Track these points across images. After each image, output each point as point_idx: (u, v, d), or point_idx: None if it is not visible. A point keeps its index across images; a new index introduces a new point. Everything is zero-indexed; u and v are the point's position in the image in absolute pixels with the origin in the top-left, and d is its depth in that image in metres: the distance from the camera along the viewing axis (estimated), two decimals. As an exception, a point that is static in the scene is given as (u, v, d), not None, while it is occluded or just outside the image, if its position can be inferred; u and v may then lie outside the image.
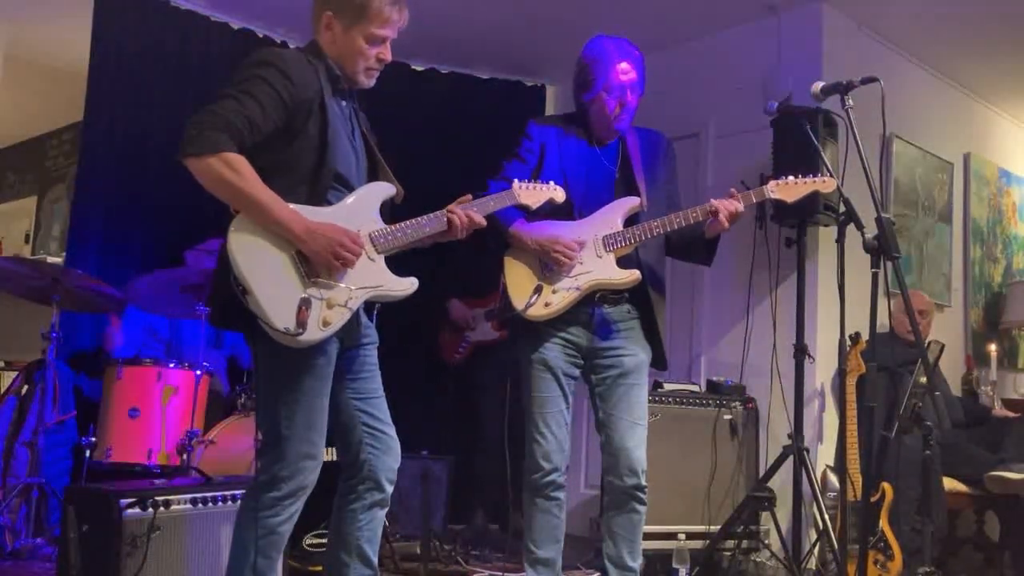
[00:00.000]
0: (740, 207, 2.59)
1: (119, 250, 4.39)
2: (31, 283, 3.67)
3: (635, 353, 2.71)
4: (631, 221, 2.67)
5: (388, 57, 2.26)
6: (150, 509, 2.53)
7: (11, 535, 3.44)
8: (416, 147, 4.93)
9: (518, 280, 2.68)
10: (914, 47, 4.80)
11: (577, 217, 2.68)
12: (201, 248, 4.13)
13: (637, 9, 4.50)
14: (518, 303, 2.65)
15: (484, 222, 2.36)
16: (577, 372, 2.74)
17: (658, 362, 2.78)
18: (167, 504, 2.59)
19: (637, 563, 2.68)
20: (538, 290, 2.64)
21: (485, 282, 4.50)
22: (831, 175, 2.69)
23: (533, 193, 2.50)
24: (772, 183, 2.64)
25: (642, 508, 2.67)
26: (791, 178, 2.64)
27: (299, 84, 2.11)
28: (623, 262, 2.65)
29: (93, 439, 3.54)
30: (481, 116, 5.25)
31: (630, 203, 2.68)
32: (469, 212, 2.33)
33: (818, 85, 2.61)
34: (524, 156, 2.74)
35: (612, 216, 2.67)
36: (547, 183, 2.54)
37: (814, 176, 2.64)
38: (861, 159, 2.49)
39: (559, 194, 2.55)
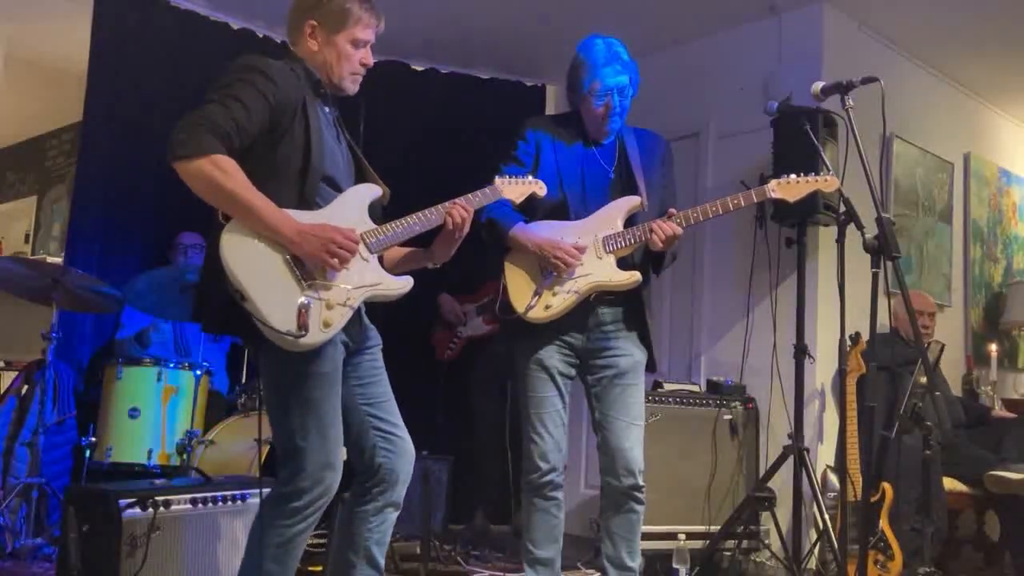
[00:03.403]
0: (678, 230, 2.56)
1: (119, 250, 4.38)
2: (31, 283, 3.67)
3: (630, 353, 2.69)
4: (630, 221, 2.66)
5: (370, 61, 2.31)
6: (150, 509, 2.54)
7: (11, 535, 3.45)
8: (416, 147, 4.93)
9: (518, 282, 2.67)
10: (914, 47, 4.79)
11: (573, 218, 2.67)
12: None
13: (637, 9, 4.49)
14: (519, 305, 2.64)
15: (472, 212, 2.34)
16: (573, 372, 2.73)
17: (648, 364, 2.76)
18: (167, 504, 2.60)
19: (636, 563, 2.68)
20: (538, 292, 2.63)
21: (475, 277, 4.49)
22: (832, 174, 2.68)
23: (515, 187, 2.48)
24: (773, 182, 2.61)
25: (640, 508, 2.67)
26: (792, 177, 2.61)
27: (283, 87, 2.12)
28: (620, 263, 2.64)
29: (93, 439, 3.55)
30: (481, 116, 5.24)
31: (631, 202, 2.66)
32: (460, 203, 2.31)
33: (818, 85, 2.60)
34: (521, 159, 2.72)
35: (612, 216, 2.65)
36: (526, 176, 2.52)
37: (816, 175, 2.61)
38: (861, 159, 2.49)
39: (540, 187, 2.52)
